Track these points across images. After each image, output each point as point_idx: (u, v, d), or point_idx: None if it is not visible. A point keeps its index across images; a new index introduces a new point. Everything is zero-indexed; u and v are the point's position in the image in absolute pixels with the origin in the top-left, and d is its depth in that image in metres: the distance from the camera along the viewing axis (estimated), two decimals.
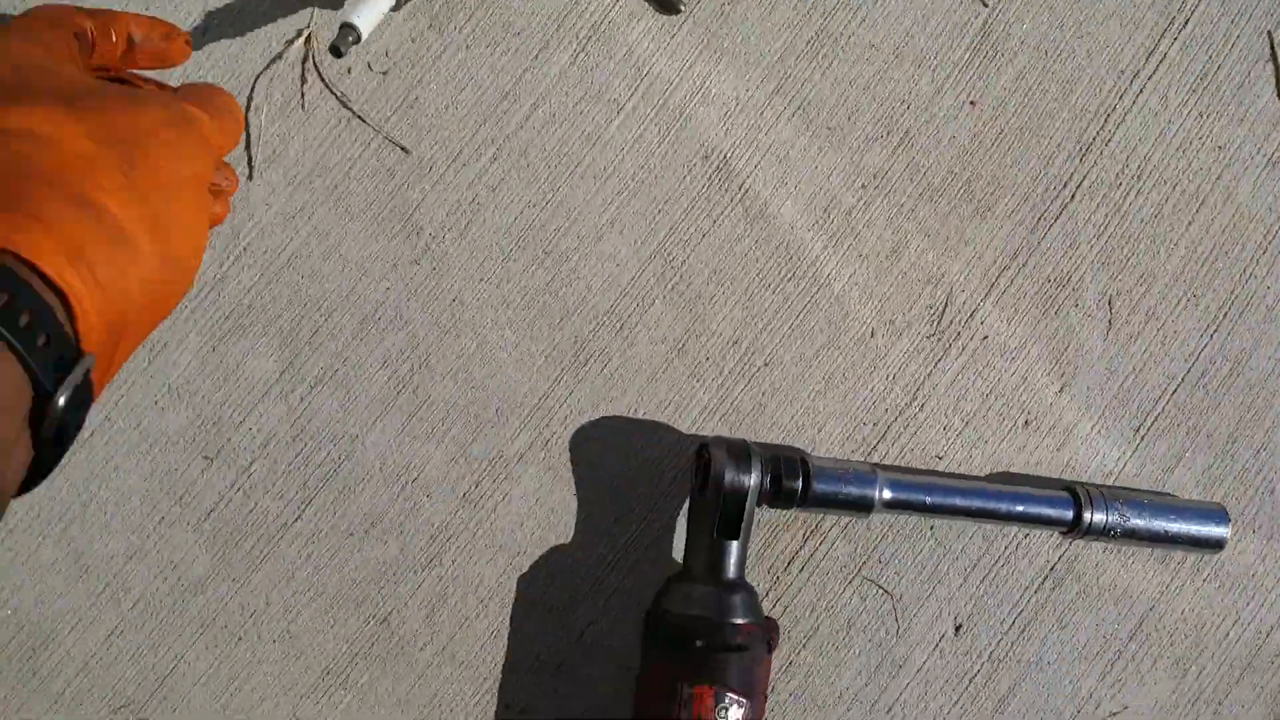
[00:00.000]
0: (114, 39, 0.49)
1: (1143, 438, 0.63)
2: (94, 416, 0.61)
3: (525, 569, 0.61)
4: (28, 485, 0.35)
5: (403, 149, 0.63)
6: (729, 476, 0.55)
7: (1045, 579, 0.62)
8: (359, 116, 0.63)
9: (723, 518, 0.55)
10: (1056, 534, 0.60)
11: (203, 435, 0.61)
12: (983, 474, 0.62)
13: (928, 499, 0.57)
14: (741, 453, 0.56)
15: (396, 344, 0.62)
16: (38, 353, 0.32)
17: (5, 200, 0.33)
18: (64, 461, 0.37)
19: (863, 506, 0.57)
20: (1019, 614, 0.62)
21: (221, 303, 0.62)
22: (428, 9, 0.64)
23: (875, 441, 0.62)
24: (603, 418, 0.62)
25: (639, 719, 0.56)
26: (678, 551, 0.61)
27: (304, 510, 0.62)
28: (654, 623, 0.56)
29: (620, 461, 0.62)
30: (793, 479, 0.56)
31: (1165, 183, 0.64)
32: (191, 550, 0.61)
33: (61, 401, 0.34)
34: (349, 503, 0.62)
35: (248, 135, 0.62)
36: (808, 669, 0.61)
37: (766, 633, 0.55)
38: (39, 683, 0.61)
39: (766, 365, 0.63)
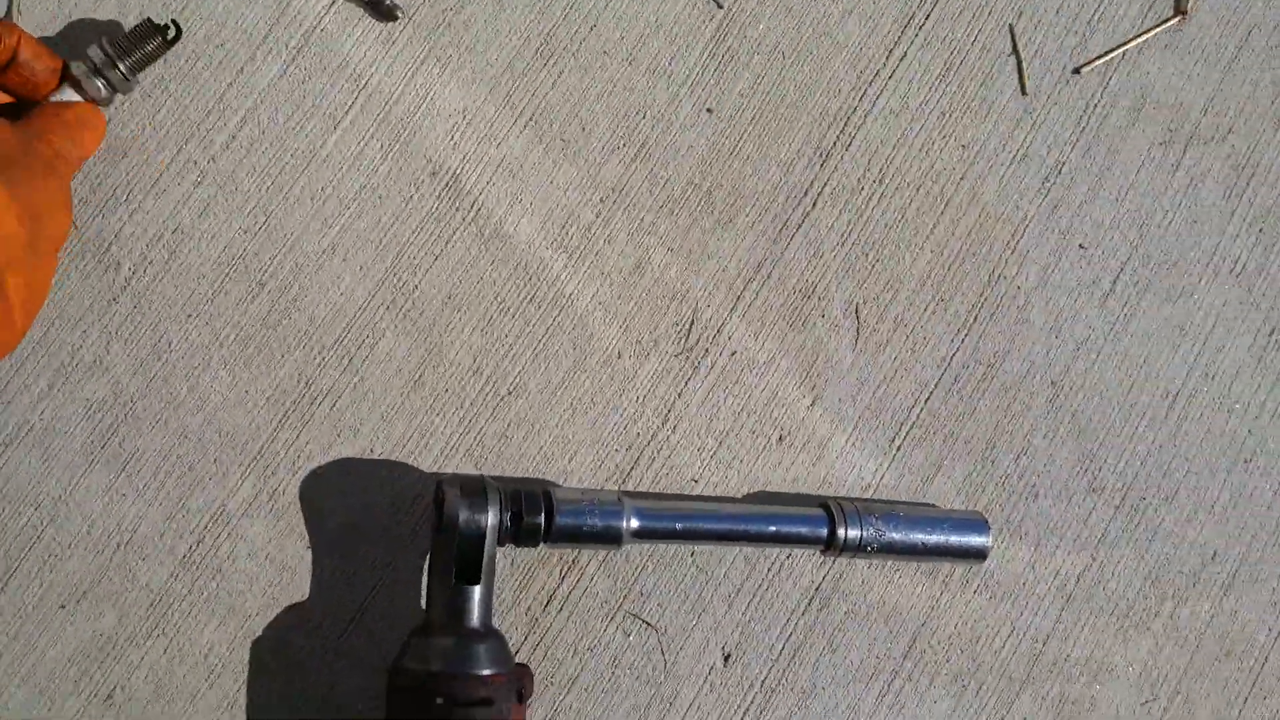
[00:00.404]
0: (2, 48, 0.50)
1: (899, 448, 0.60)
2: None
3: (258, 632, 0.56)
4: None
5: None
6: (464, 517, 0.51)
7: (811, 600, 0.59)
8: None
9: (460, 561, 0.51)
10: (817, 553, 0.57)
11: None
12: (739, 494, 0.59)
13: (678, 525, 0.54)
14: (478, 490, 0.52)
15: (98, 393, 0.56)
16: None
17: None
18: None
19: (611, 538, 0.53)
20: (788, 638, 0.58)
21: None
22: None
23: (629, 468, 0.59)
24: (335, 460, 0.57)
25: None
26: (424, 601, 0.57)
27: (6, 583, 0.55)
28: (394, 681, 0.51)
29: (356, 508, 0.57)
30: (534, 515, 0.52)
31: (909, 185, 0.63)
32: None
33: None
34: (56, 571, 0.56)
35: None
36: (575, 713, 0.57)
37: (517, 681, 0.51)
38: None
39: (511, 394, 0.58)
